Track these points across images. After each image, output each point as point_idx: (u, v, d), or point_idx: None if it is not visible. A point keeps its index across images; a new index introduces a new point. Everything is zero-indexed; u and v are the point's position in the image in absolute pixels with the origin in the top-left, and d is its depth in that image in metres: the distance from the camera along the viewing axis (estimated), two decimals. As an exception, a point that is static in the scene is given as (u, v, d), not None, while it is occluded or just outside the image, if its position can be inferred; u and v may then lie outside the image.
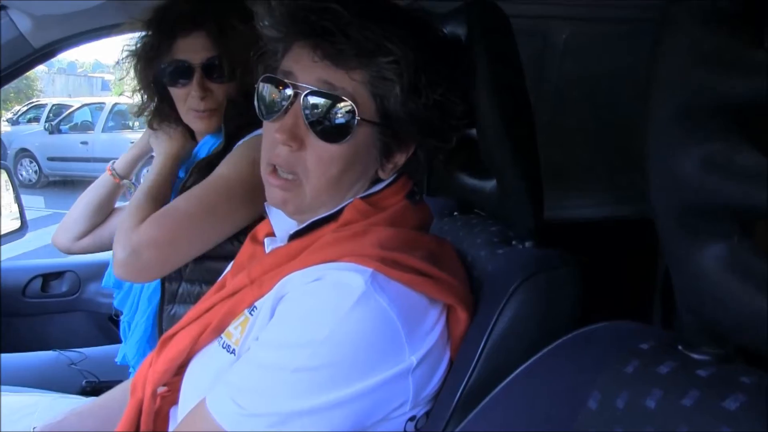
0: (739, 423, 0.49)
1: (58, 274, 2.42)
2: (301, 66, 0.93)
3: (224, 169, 1.41)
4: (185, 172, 1.55)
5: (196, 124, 1.54)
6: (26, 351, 2.06)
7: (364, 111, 0.92)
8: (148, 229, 1.33)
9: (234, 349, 0.95)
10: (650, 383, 0.56)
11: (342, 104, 0.91)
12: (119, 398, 1.25)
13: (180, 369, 1.04)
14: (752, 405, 0.49)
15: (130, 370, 1.60)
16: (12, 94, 19.91)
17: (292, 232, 1.01)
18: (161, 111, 1.57)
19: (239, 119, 1.46)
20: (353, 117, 0.92)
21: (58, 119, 12.73)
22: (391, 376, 0.85)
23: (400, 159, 0.99)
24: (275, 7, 0.94)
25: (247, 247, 1.13)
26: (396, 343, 0.85)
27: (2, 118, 15.59)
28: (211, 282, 1.34)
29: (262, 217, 1.34)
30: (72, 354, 2.03)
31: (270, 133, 0.96)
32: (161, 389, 1.06)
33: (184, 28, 1.46)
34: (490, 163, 1.10)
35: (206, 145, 1.56)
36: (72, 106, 13.41)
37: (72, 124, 12.66)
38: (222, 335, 0.98)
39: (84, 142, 11.87)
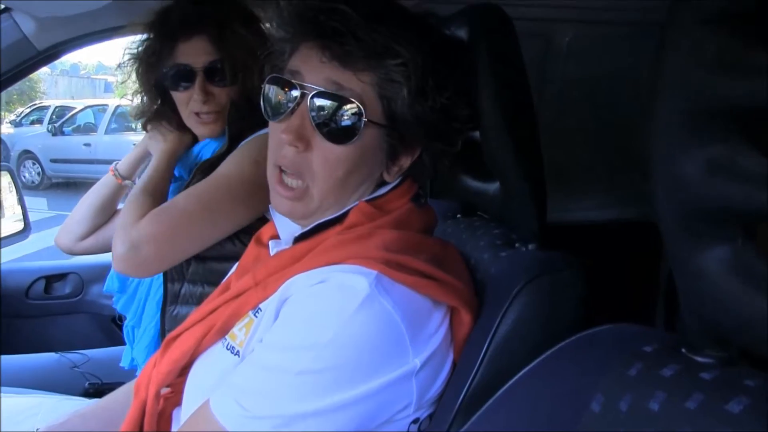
0: (743, 426, 0.49)
1: (61, 276, 2.42)
2: (309, 66, 0.93)
3: (226, 168, 1.42)
4: (188, 174, 1.55)
5: (198, 128, 1.55)
6: (29, 353, 2.06)
7: (371, 113, 0.92)
8: (147, 225, 1.33)
9: (238, 351, 0.95)
10: (653, 386, 0.56)
11: (349, 105, 0.91)
12: (122, 400, 1.25)
13: (184, 370, 1.04)
14: (756, 408, 0.49)
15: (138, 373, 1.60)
16: (15, 96, 19.90)
17: (296, 234, 1.01)
18: (162, 114, 1.58)
19: (242, 122, 1.47)
20: (360, 118, 0.91)
21: (61, 121, 12.76)
22: (395, 379, 0.85)
23: (406, 162, 0.99)
24: (284, 8, 0.94)
25: (251, 249, 1.13)
26: (400, 346, 0.85)
27: (5, 120, 15.62)
28: (213, 282, 1.34)
29: (264, 216, 1.35)
30: (75, 356, 2.03)
31: (276, 133, 0.96)
32: (164, 390, 1.06)
33: (185, 32, 1.46)
34: (493, 166, 1.10)
35: (209, 146, 1.56)
36: (75, 108, 13.44)
37: (75, 125, 12.69)
38: (226, 337, 0.98)
39: (87, 144, 11.88)
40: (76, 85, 26.55)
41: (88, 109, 13.15)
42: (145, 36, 1.52)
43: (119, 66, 1.57)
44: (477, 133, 1.09)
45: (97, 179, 1.82)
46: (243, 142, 1.46)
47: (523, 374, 0.74)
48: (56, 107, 14.06)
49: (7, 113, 17.06)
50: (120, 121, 12.02)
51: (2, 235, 2.06)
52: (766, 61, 0.45)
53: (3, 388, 1.60)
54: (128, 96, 1.62)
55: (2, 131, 13.54)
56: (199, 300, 1.40)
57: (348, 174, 0.95)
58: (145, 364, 1.10)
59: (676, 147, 0.50)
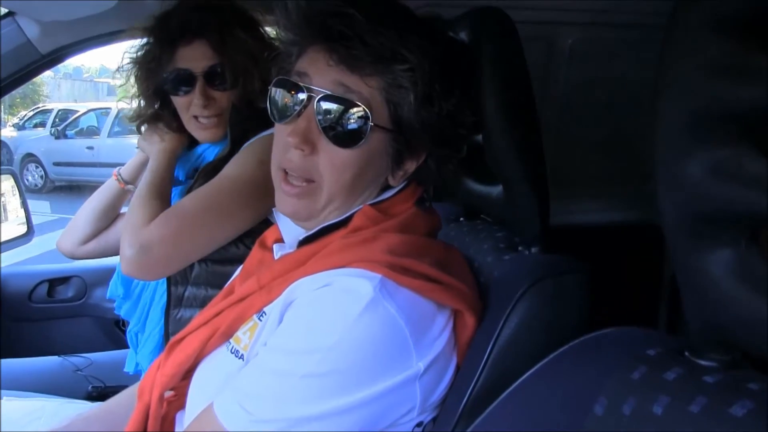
0: (747, 430, 0.49)
1: (64, 280, 2.42)
2: (316, 69, 0.93)
3: (230, 169, 1.42)
4: (189, 176, 1.55)
5: (198, 133, 1.55)
6: (32, 356, 2.06)
7: (377, 117, 0.92)
8: (157, 228, 1.34)
9: (242, 355, 0.95)
10: (657, 389, 0.56)
11: (355, 109, 0.91)
12: (126, 403, 1.25)
13: (188, 373, 1.04)
14: (759, 411, 0.49)
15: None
16: (18, 99, 19.96)
17: (301, 238, 1.01)
18: (160, 117, 1.58)
19: (244, 124, 1.47)
20: (367, 122, 0.92)
21: (64, 124, 12.76)
22: (399, 383, 0.85)
23: (411, 166, 0.99)
24: (292, 10, 0.94)
25: (255, 253, 1.13)
26: (404, 350, 0.85)
27: (9, 124, 15.64)
28: (217, 285, 1.34)
29: (268, 220, 1.35)
30: (78, 359, 2.03)
31: (282, 136, 0.96)
32: (168, 394, 1.06)
33: (185, 37, 1.47)
34: (497, 169, 1.10)
35: (212, 149, 1.57)
36: (78, 111, 13.44)
37: (78, 129, 12.69)
38: (230, 340, 0.98)
39: (90, 147, 11.88)
40: (79, 88, 26.57)
41: (91, 113, 13.15)
42: (145, 41, 1.52)
43: (118, 69, 1.56)
44: (480, 137, 1.09)
45: (100, 182, 1.82)
46: (246, 144, 1.46)
47: (526, 377, 0.74)
48: (59, 110, 14.05)
49: (10, 116, 17.13)
50: (123, 124, 12.01)
51: (5, 239, 2.07)
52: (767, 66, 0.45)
53: (6, 392, 1.61)
54: (125, 100, 1.62)
55: (5, 134, 13.57)
56: (202, 303, 1.40)
57: (354, 177, 0.95)
58: (149, 368, 1.10)
59: (682, 151, 0.50)
